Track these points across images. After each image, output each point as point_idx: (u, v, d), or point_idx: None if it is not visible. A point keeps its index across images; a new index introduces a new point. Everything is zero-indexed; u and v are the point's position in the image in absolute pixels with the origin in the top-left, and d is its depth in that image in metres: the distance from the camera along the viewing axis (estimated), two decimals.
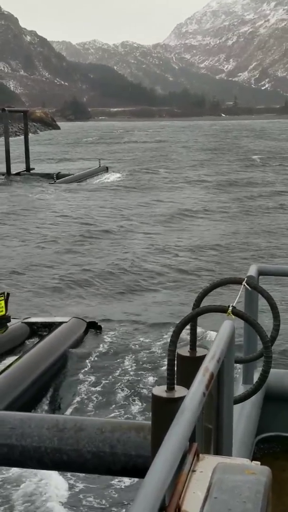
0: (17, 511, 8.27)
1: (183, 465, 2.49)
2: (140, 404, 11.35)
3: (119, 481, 8.76)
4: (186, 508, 2.24)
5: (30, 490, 8.71)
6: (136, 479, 8.24)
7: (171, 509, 2.21)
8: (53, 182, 49.96)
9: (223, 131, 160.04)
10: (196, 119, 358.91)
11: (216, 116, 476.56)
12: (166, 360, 4.15)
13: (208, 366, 3.14)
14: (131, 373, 12.83)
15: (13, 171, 56.11)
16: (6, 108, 63.25)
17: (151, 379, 12.45)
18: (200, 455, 2.71)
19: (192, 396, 2.79)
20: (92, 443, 5.44)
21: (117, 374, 12.81)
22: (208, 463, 2.58)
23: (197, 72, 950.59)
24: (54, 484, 8.82)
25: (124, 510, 8.20)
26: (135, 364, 13.29)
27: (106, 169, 57.31)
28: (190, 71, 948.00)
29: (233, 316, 4.41)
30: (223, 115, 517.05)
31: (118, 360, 13.56)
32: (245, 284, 5.22)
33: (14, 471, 8.96)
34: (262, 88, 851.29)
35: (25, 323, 14.83)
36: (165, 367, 4.49)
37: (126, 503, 8.31)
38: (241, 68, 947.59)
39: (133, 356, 13.79)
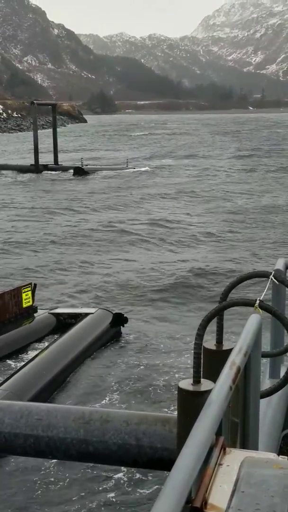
0: (41, 501, 8.34)
1: (210, 459, 2.48)
2: (165, 396, 11.35)
3: (145, 474, 8.77)
4: (213, 501, 2.23)
5: (53, 480, 8.77)
6: (160, 472, 8.25)
7: (197, 503, 2.20)
8: (80, 174, 50.16)
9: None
10: (223, 112, 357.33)
11: (243, 109, 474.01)
12: (192, 353, 4.13)
13: (235, 360, 3.12)
14: (157, 365, 12.83)
15: (41, 163, 56.41)
16: (34, 101, 63.55)
17: (177, 372, 12.44)
18: (227, 448, 2.69)
19: (219, 390, 2.78)
20: (118, 435, 5.45)
21: (142, 366, 12.82)
22: (235, 457, 2.56)
23: (224, 64, 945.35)
24: (78, 474, 8.88)
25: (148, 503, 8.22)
26: (161, 356, 13.29)
27: (133, 168, 57.35)
28: (218, 64, 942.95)
29: (260, 310, 4.38)
30: (250, 108, 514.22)
31: (144, 352, 13.58)
32: (273, 277, 5.18)
33: (40, 461, 9.02)
34: None
35: (52, 313, 14.91)
36: (191, 360, 4.48)
37: (151, 495, 8.33)
38: (269, 60, 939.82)
39: (159, 348, 13.79)
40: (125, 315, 15.23)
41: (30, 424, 5.62)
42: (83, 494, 8.46)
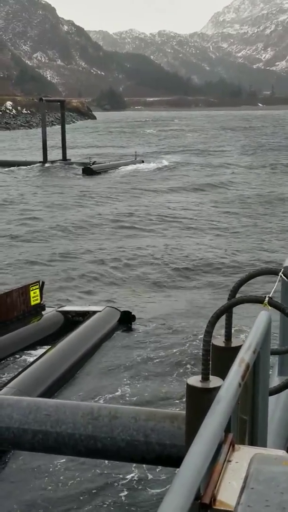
0: (49, 497, 8.37)
1: (219, 456, 2.48)
2: (174, 393, 11.35)
3: (153, 470, 8.78)
4: (222, 498, 2.23)
5: (61, 476, 8.79)
6: (169, 468, 8.24)
7: (206, 499, 2.20)
8: (88, 174, 50.11)
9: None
10: (232, 109, 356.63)
11: (253, 106, 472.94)
12: (201, 350, 4.13)
13: (244, 357, 3.12)
14: (165, 362, 12.83)
15: (50, 160, 56.50)
16: (43, 98, 63.68)
17: (185, 368, 12.44)
18: (236, 445, 2.69)
19: (228, 387, 2.77)
20: (127, 432, 5.46)
21: (150, 363, 12.83)
22: (244, 454, 2.56)
23: (234, 61, 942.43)
24: (85, 470, 8.89)
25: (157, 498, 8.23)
26: (169, 353, 13.29)
27: (141, 162, 57.20)
28: (227, 61, 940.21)
29: (269, 307, 4.37)
30: (260, 104, 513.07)
31: (152, 349, 13.58)
32: (282, 275, 5.17)
33: (48, 457, 9.04)
34: None
35: (60, 311, 14.92)
36: (199, 357, 4.48)
37: (160, 492, 8.33)
38: (279, 57, 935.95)
39: (167, 346, 13.79)
40: (133, 313, 15.23)
41: (39, 420, 5.64)
42: (91, 490, 8.47)
